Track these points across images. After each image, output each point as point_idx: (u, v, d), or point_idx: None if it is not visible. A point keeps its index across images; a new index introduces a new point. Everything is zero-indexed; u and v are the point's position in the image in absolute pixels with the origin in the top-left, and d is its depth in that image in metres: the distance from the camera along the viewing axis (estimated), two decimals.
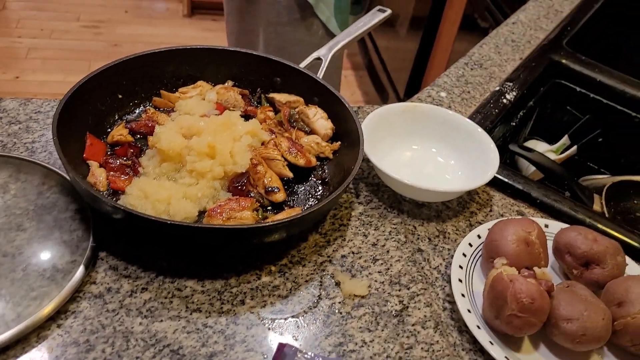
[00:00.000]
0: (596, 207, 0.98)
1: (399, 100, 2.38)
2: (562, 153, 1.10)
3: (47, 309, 0.56)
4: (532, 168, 1.06)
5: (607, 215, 0.91)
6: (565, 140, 1.11)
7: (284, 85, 0.85)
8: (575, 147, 1.10)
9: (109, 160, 0.71)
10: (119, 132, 0.74)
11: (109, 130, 0.76)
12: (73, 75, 2.67)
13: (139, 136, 0.76)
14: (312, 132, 0.80)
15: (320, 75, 0.83)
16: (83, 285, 0.60)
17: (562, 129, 1.13)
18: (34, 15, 3.00)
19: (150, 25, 3.07)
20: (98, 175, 0.68)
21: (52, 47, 2.80)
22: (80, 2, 3.15)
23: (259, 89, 0.86)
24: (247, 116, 0.81)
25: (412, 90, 2.31)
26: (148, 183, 0.68)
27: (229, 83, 0.85)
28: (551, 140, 1.14)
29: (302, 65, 0.84)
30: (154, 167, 0.71)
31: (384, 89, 2.57)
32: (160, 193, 0.66)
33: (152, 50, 0.79)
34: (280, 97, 0.83)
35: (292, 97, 0.82)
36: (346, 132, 0.78)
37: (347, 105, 0.77)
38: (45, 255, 0.61)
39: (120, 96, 0.78)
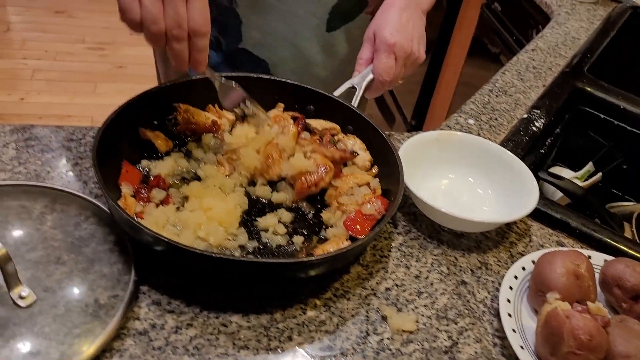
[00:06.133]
0: (627, 235, 0.98)
1: (406, 123, 2.39)
2: (586, 180, 1.10)
3: (93, 347, 0.54)
4: (558, 194, 1.05)
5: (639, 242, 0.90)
6: (589, 167, 1.11)
7: (317, 113, 0.84)
8: (600, 174, 1.10)
9: (141, 190, 0.70)
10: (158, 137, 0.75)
11: (145, 156, 0.74)
12: (79, 97, 2.66)
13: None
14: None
15: (355, 104, 0.83)
16: (127, 322, 0.58)
17: (584, 155, 1.13)
18: (38, 37, 3.00)
19: None
20: (129, 203, 0.67)
21: (57, 69, 2.80)
22: (84, 25, 3.16)
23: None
24: None
25: (419, 113, 2.31)
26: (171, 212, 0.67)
27: (280, 108, 0.84)
28: (573, 167, 1.14)
29: (336, 93, 0.83)
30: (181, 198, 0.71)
31: (390, 112, 2.58)
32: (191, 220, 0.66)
33: (189, 78, 0.79)
34: (316, 124, 0.82)
35: (329, 124, 0.82)
36: (383, 162, 0.77)
37: (385, 136, 0.76)
38: (86, 290, 0.59)
39: (155, 122, 0.77)
